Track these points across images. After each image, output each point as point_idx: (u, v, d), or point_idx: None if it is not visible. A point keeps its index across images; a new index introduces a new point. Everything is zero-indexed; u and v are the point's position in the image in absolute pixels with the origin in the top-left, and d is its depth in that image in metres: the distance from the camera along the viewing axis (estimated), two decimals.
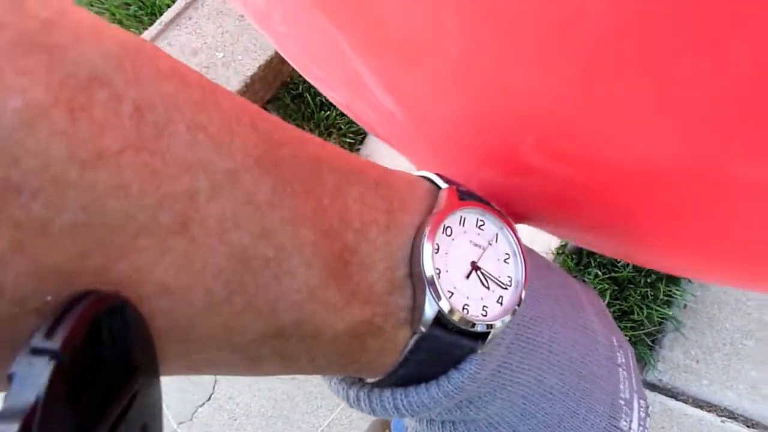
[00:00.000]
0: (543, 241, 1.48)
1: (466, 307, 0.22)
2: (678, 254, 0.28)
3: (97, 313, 0.14)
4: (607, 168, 0.23)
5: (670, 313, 1.41)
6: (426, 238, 0.22)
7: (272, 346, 0.19)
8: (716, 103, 0.17)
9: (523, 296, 0.24)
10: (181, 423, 1.50)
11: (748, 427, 1.32)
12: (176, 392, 1.53)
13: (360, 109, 0.34)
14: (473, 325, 0.22)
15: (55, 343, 0.13)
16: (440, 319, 0.22)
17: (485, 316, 0.23)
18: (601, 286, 1.41)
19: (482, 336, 0.23)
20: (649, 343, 1.40)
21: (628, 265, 1.42)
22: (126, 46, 0.15)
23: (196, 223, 0.16)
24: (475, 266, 0.23)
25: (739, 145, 0.18)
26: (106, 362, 0.15)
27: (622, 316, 1.40)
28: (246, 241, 0.17)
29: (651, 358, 1.39)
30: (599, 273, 1.42)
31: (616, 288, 1.41)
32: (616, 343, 0.31)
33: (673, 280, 1.43)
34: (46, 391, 0.12)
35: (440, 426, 0.26)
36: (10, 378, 0.12)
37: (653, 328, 1.40)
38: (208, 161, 0.16)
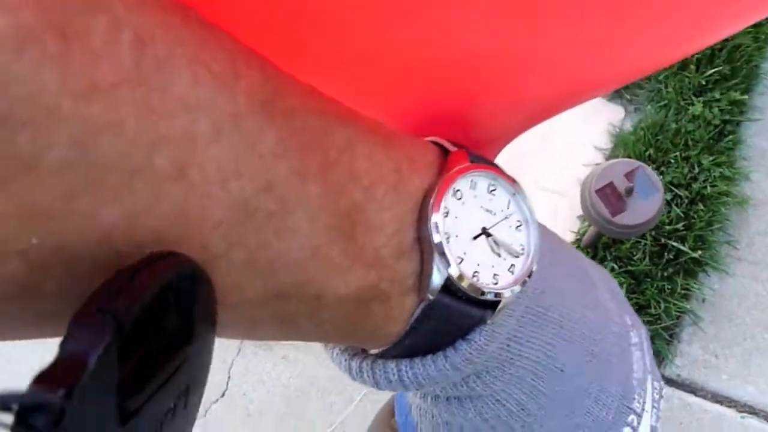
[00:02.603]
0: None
1: (476, 274, 0.21)
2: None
3: (169, 278, 0.14)
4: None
5: (688, 306, 1.39)
6: (435, 200, 0.21)
7: (272, 308, 0.18)
8: None
9: (535, 266, 0.23)
10: (201, 416, 1.49)
11: None
12: None
13: None
14: (483, 293, 0.21)
15: (120, 304, 0.13)
16: (449, 286, 0.21)
17: (496, 284, 0.22)
18: (617, 279, 1.38)
19: (492, 305, 0.22)
20: (667, 337, 1.38)
21: (644, 258, 1.40)
22: None
23: (194, 168, 0.15)
24: (486, 232, 0.22)
25: None
26: (166, 327, 0.15)
27: (639, 310, 1.38)
28: (248, 192, 0.16)
29: (669, 352, 1.37)
30: (615, 266, 1.40)
31: (632, 281, 1.40)
32: (629, 322, 0.29)
33: (690, 273, 1.41)
34: (99, 354, 0.12)
35: (446, 402, 0.25)
36: (69, 329, 0.12)
37: (671, 323, 1.38)
38: (210, 102, 0.15)
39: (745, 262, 1.44)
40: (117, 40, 0.13)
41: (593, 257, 1.42)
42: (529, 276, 0.23)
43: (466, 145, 0.25)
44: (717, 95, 1.55)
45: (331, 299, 0.19)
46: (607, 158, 1.54)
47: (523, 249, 0.23)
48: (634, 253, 1.41)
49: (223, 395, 1.51)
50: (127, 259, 0.15)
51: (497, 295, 0.21)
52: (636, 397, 0.27)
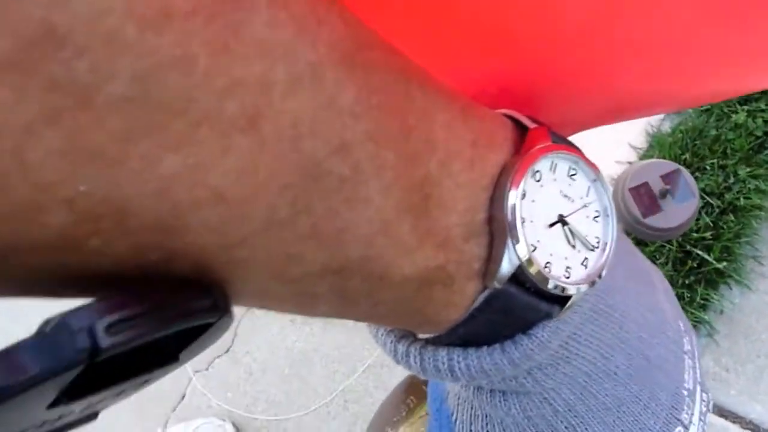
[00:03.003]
0: None
1: (548, 264, 0.20)
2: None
3: (186, 325, 0.13)
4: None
5: (706, 317, 1.37)
6: (513, 180, 0.19)
7: (332, 284, 0.17)
8: None
9: (610, 260, 0.21)
10: (197, 371, 1.50)
11: None
12: None
13: None
14: (554, 286, 0.19)
15: (114, 339, 0.12)
16: (518, 276, 0.19)
17: (568, 278, 0.20)
18: None
19: (560, 300, 0.20)
20: None
21: (667, 263, 1.37)
22: None
23: (267, 120, 0.13)
24: (562, 220, 0.20)
25: None
26: (149, 350, 0.14)
27: None
28: (321, 153, 0.14)
29: None
30: None
31: None
32: (683, 328, 0.28)
33: (711, 283, 1.38)
34: (56, 374, 0.11)
35: (489, 394, 0.24)
36: (49, 327, 0.11)
37: None
38: (288, 47, 0.13)
39: None
40: None
41: None
42: (602, 273, 0.21)
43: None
44: (762, 105, 1.50)
45: (395, 279, 0.17)
46: (641, 158, 1.51)
47: (598, 242, 0.21)
48: (658, 257, 1.38)
49: (227, 351, 1.52)
50: (182, 219, 0.13)
51: (566, 289, 0.20)
52: (685, 408, 0.26)
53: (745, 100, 1.52)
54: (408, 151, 0.16)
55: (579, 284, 0.20)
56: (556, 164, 0.21)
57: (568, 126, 0.30)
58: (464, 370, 0.21)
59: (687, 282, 1.37)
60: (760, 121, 1.49)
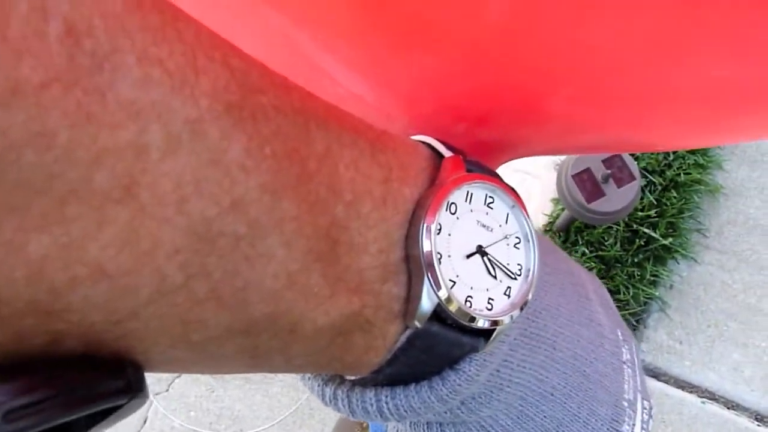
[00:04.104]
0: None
1: (469, 299, 0.19)
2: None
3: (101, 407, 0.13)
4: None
5: (656, 293, 1.40)
6: (426, 215, 0.18)
7: (239, 344, 0.16)
8: None
9: (533, 288, 0.21)
10: (157, 394, 1.47)
11: (728, 408, 1.32)
12: None
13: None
14: (475, 320, 0.19)
15: (19, 425, 0.11)
16: (438, 313, 0.18)
17: (490, 310, 0.19)
18: (587, 264, 1.39)
19: (485, 333, 0.19)
20: (634, 323, 1.39)
21: (615, 243, 1.40)
22: None
23: (144, 187, 0.12)
24: (481, 251, 0.20)
25: None
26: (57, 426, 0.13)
27: None
28: (211, 213, 0.13)
29: (635, 338, 1.38)
30: (586, 251, 1.40)
31: (602, 267, 1.40)
32: (621, 337, 0.28)
33: (660, 260, 1.42)
34: None
35: (425, 427, 0.23)
36: None
37: (638, 309, 1.39)
38: (163, 106, 0.12)
39: (713, 250, 1.45)
40: (42, 31, 0.10)
41: (565, 241, 1.42)
42: (527, 301, 0.20)
43: (466, 142, 0.22)
44: None
45: (308, 332, 0.16)
46: None
47: (521, 270, 0.21)
48: (606, 239, 1.41)
49: None
50: (62, 300, 0.12)
51: (492, 322, 0.19)
52: (626, 419, 0.25)
53: None
54: (310, 198, 0.15)
55: (502, 316, 0.19)
56: (471, 194, 0.20)
57: (511, 148, 0.29)
58: (393, 410, 0.20)
59: (636, 260, 1.41)
60: None
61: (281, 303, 0.15)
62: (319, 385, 0.22)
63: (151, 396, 1.46)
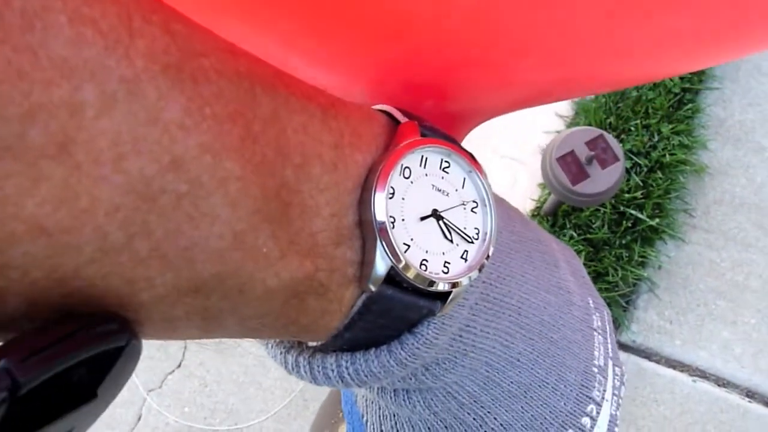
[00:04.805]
0: (517, 204, 1.46)
1: (424, 262, 0.19)
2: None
3: (94, 353, 0.13)
4: None
5: (645, 274, 1.41)
6: (379, 179, 0.18)
7: (189, 305, 0.16)
8: None
9: (491, 251, 0.21)
10: (150, 390, 1.47)
11: (719, 386, 1.33)
12: (145, 360, 1.50)
13: None
14: (432, 283, 0.19)
15: (27, 370, 0.12)
16: (393, 277, 0.18)
17: (446, 273, 0.20)
18: (576, 247, 1.39)
19: (442, 296, 0.20)
20: (624, 304, 1.40)
21: (603, 226, 1.41)
22: None
23: (80, 145, 0.12)
24: (436, 215, 0.20)
25: None
26: (69, 383, 0.13)
27: (596, 278, 1.39)
28: (150, 171, 0.13)
29: (625, 319, 1.39)
30: (574, 234, 1.40)
31: (591, 249, 1.40)
32: (592, 305, 0.28)
33: (647, 241, 1.43)
34: None
35: (392, 395, 0.23)
36: None
37: (628, 290, 1.39)
38: (97, 65, 0.12)
39: (700, 230, 1.46)
40: None
41: (553, 225, 1.43)
42: (486, 261, 0.20)
43: (434, 117, 0.22)
44: None
45: (258, 293, 0.17)
46: (569, 126, 1.54)
47: (477, 233, 0.21)
48: (593, 221, 1.41)
49: (179, 366, 1.48)
50: (3, 254, 0.12)
51: (450, 285, 0.19)
52: (596, 385, 0.26)
53: None
54: (255, 159, 0.16)
55: (459, 278, 0.19)
56: (426, 158, 0.20)
57: (478, 115, 0.29)
58: (353, 375, 0.20)
59: (624, 242, 1.41)
60: (676, 78, 1.54)
61: (228, 263, 0.15)
62: (281, 353, 0.22)
63: (144, 393, 1.46)
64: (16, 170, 0.12)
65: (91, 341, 0.13)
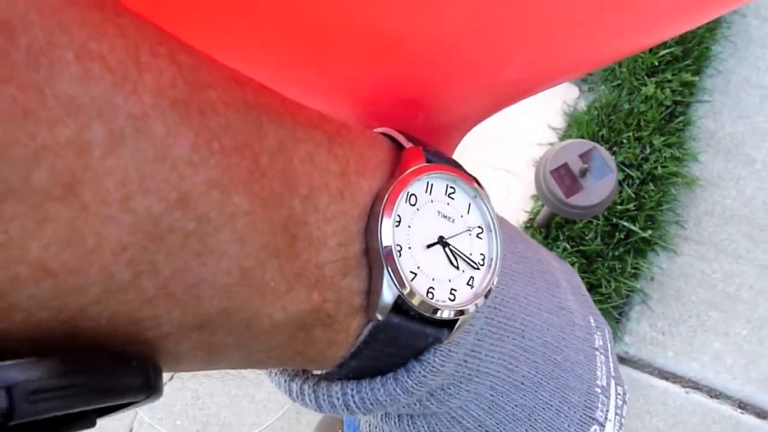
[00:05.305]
0: (510, 216, 1.47)
1: (430, 290, 0.19)
2: None
3: (105, 401, 0.13)
4: None
5: (638, 286, 1.42)
6: (386, 207, 0.18)
7: (195, 341, 0.16)
8: None
9: (496, 279, 0.21)
10: None
11: (711, 397, 1.33)
12: None
13: None
14: (438, 311, 0.19)
15: (37, 407, 0.11)
16: (400, 305, 0.18)
17: (453, 300, 0.20)
18: (569, 259, 1.40)
19: (449, 323, 0.20)
20: (617, 316, 1.40)
21: (596, 238, 1.41)
22: None
23: (87, 185, 0.12)
24: (442, 242, 0.20)
25: None
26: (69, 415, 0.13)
27: (590, 290, 1.39)
28: (157, 210, 0.13)
29: (618, 331, 1.39)
30: (567, 246, 1.41)
31: (584, 261, 1.41)
32: (593, 324, 0.28)
33: (640, 252, 1.43)
34: None
35: (397, 420, 0.23)
36: None
37: (620, 301, 1.40)
38: (105, 102, 0.12)
39: (692, 241, 1.47)
40: None
41: (546, 237, 1.43)
42: (492, 287, 0.21)
43: (426, 130, 0.22)
44: (669, 76, 1.56)
45: (265, 328, 0.16)
46: (561, 138, 1.55)
47: (483, 259, 0.21)
48: (586, 233, 1.42)
49: (171, 378, 1.47)
50: (6, 299, 0.12)
51: (456, 312, 0.19)
52: (600, 405, 0.26)
53: (652, 72, 1.58)
54: (263, 193, 0.15)
55: (465, 305, 0.20)
56: (432, 185, 0.20)
57: (467, 122, 0.30)
58: (359, 404, 0.20)
59: (617, 254, 1.42)
60: (668, 91, 1.55)
61: (235, 298, 0.15)
62: (285, 381, 0.22)
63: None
64: (20, 212, 0.11)
65: (112, 395, 0.13)
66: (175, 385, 1.46)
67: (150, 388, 0.14)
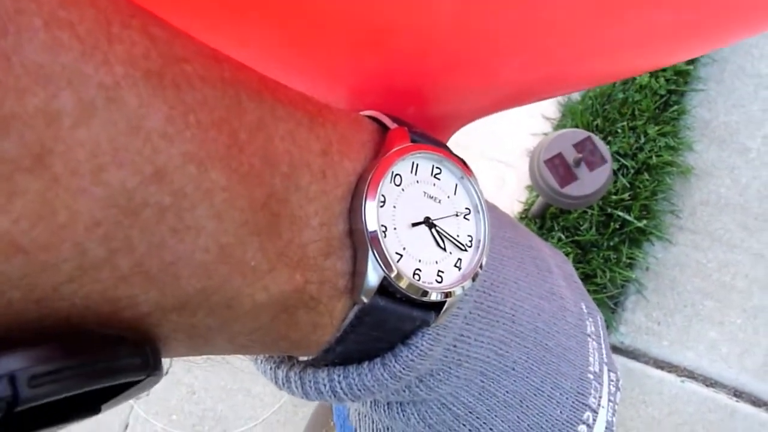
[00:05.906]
0: (505, 207, 1.46)
1: (417, 272, 0.19)
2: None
3: (105, 382, 0.13)
4: None
5: (633, 275, 1.42)
6: (369, 186, 0.18)
7: (174, 323, 0.15)
8: None
9: (484, 260, 0.20)
10: (137, 398, 1.45)
11: (706, 386, 1.34)
12: None
13: None
14: (425, 293, 0.18)
15: (40, 391, 0.12)
16: (386, 287, 0.18)
17: (440, 282, 0.19)
18: (564, 249, 1.39)
19: (436, 306, 0.19)
20: (612, 306, 1.40)
21: (590, 228, 1.41)
22: None
23: (57, 156, 0.12)
24: (429, 223, 0.19)
25: None
26: (72, 400, 0.13)
27: (585, 280, 1.39)
28: (132, 183, 0.13)
29: (614, 321, 1.39)
30: (562, 236, 1.40)
31: (579, 251, 1.41)
32: (585, 310, 0.28)
33: (635, 242, 1.43)
34: None
35: (386, 408, 0.23)
36: None
37: (616, 291, 1.40)
38: (74, 71, 0.12)
39: (687, 231, 1.47)
40: None
41: (541, 227, 1.43)
42: (480, 269, 0.20)
43: (417, 122, 0.22)
44: None
45: (246, 308, 0.16)
46: (556, 128, 1.54)
47: (471, 241, 0.20)
48: (581, 223, 1.42)
49: (166, 373, 1.46)
50: None
51: (443, 294, 0.19)
52: (592, 392, 0.25)
53: None
54: (242, 169, 0.15)
55: (452, 287, 0.19)
56: (417, 165, 0.19)
57: (461, 118, 0.29)
58: (346, 390, 0.20)
59: (612, 244, 1.42)
60: (662, 80, 1.54)
61: (215, 277, 0.15)
62: (271, 368, 0.21)
63: (132, 401, 1.44)
64: None
65: (111, 374, 0.13)
66: (171, 379, 1.46)
67: (149, 367, 0.14)
